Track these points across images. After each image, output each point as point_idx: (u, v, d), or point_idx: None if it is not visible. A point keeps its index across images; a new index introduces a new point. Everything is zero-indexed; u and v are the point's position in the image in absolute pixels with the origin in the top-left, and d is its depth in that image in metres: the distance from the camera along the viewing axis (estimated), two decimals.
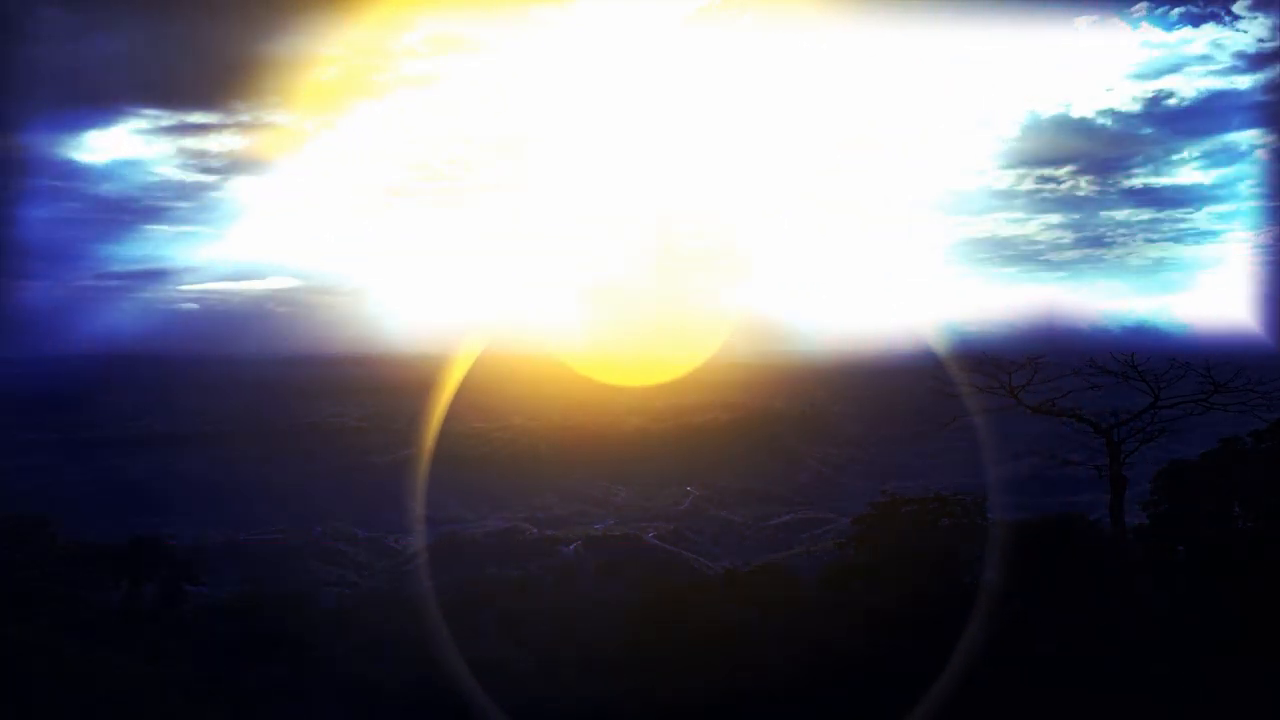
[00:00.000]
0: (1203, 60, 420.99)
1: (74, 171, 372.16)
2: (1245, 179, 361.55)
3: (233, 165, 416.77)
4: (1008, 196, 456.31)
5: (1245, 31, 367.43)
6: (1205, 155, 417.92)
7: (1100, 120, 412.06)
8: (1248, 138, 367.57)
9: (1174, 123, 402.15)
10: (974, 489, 28.10)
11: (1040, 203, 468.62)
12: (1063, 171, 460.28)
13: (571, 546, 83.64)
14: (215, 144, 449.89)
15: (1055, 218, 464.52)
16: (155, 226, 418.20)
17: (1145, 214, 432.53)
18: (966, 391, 24.79)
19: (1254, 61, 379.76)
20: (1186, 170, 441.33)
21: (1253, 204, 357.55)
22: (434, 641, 34.75)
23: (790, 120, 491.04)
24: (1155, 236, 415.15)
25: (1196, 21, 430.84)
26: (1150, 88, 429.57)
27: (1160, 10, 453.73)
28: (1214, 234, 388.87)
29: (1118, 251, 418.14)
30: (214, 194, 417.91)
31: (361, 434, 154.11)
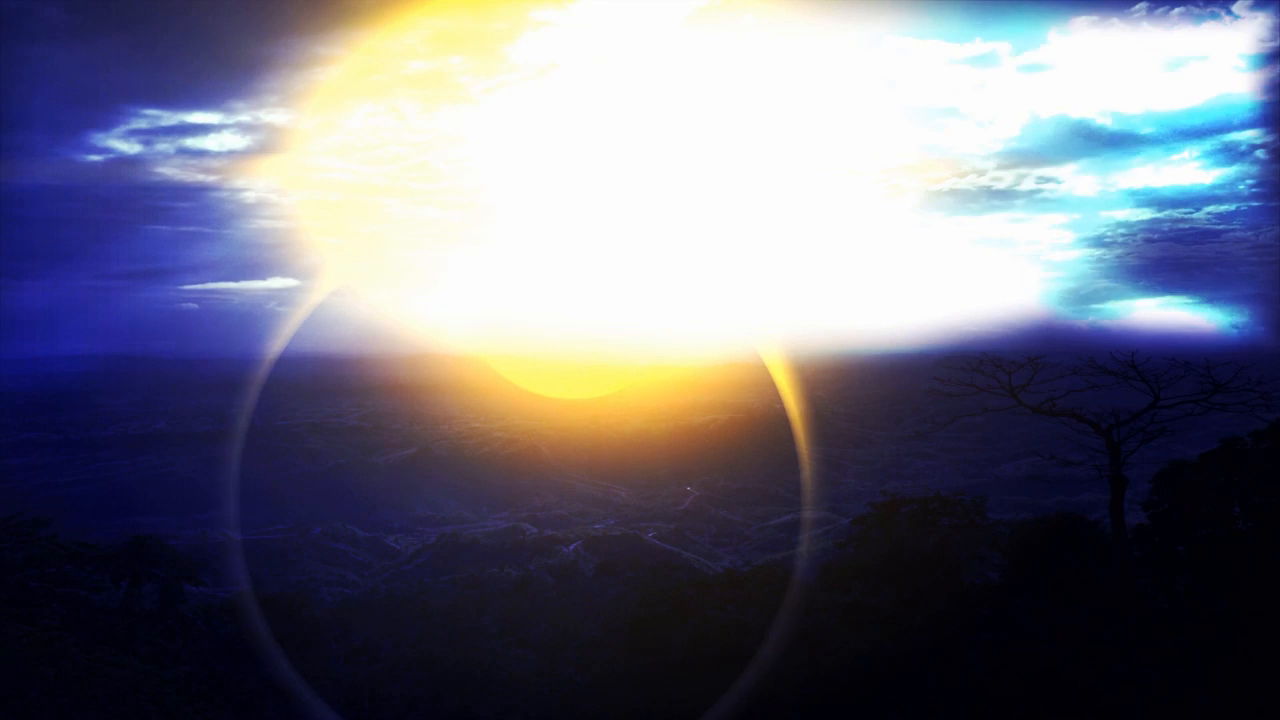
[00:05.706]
0: (1203, 60, 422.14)
1: (74, 171, 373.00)
2: (1245, 179, 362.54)
3: (233, 165, 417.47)
4: (1008, 196, 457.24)
5: (1245, 31, 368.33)
6: (1205, 155, 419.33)
7: (1100, 120, 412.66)
8: (1248, 138, 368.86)
9: (1174, 123, 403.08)
10: (974, 489, 28.16)
11: (1040, 203, 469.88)
12: (1063, 171, 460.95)
13: (571, 546, 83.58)
14: (215, 144, 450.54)
15: (1055, 218, 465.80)
16: (155, 226, 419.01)
17: (1145, 214, 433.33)
18: (966, 391, 24.74)
19: (1254, 61, 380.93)
20: (1186, 170, 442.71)
21: (1253, 204, 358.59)
22: (434, 642, 34.76)
23: (788, 119, 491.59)
24: (1155, 236, 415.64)
25: (1196, 21, 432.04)
26: (1151, 88, 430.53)
27: (1160, 10, 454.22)
28: (1214, 234, 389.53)
29: (1118, 251, 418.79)
30: (214, 194, 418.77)
31: (361, 434, 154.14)
